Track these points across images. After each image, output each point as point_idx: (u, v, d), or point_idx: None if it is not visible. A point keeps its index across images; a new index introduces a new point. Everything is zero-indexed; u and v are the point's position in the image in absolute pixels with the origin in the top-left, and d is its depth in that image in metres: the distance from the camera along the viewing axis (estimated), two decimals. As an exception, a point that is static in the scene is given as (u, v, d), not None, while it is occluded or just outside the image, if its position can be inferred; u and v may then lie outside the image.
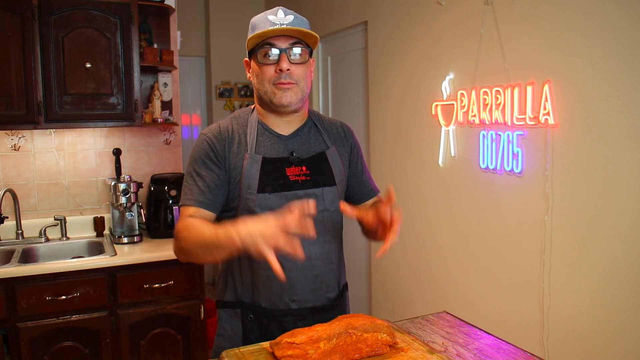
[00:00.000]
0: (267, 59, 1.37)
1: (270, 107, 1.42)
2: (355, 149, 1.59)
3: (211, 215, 1.41)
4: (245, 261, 1.44)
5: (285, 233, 1.14)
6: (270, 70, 1.38)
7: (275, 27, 1.35)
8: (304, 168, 1.43)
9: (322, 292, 1.47)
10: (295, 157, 1.43)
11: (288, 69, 1.36)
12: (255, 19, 1.41)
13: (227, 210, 1.44)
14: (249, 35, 1.39)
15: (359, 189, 1.60)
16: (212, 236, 1.23)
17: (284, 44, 1.37)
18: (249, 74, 1.46)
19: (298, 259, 1.17)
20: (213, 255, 1.26)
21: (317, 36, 1.41)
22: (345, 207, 1.33)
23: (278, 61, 1.36)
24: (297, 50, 1.38)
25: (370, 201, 1.63)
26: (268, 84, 1.39)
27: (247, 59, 1.46)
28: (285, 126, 1.47)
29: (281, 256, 1.40)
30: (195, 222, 1.32)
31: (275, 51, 1.37)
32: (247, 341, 1.44)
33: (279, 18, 1.37)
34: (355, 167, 1.59)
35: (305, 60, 1.40)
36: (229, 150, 1.42)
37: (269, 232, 1.14)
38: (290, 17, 1.38)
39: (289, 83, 1.37)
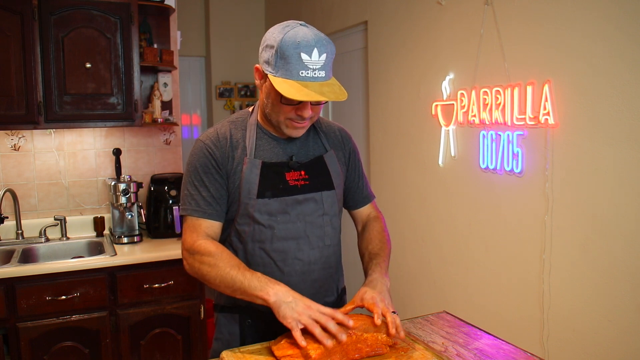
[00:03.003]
0: (289, 100, 1.27)
1: (278, 129, 1.39)
2: (353, 155, 1.58)
3: (220, 225, 1.41)
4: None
5: (316, 309, 1.20)
6: (288, 109, 1.32)
7: (306, 85, 1.23)
8: (302, 172, 1.42)
9: (321, 296, 1.46)
10: (294, 162, 1.41)
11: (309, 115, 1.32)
12: (285, 48, 1.24)
13: (226, 214, 1.43)
14: (274, 63, 1.26)
15: (355, 196, 1.60)
16: (242, 283, 1.27)
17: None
18: (258, 81, 1.37)
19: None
20: (235, 295, 1.30)
21: (346, 93, 1.30)
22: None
23: (301, 107, 1.30)
24: (322, 101, 1.29)
25: (366, 211, 1.62)
26: (282, 117, 1.34)
27: (258, 66, 1.34)
28: None
29: (279, 260, 1.40)
30: (223, 255, 1.32)
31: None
32: (244, 345, 1.43)
33: (314, 61, 1.24)
34: (353, 173, 1.57)
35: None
36: (227, 156, 1.39)
37: (309, 311, 1.20)
38: (324, 57, 1.26)
39: (305, 123, 1.35)
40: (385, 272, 1.44)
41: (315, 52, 1.24)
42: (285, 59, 1.24)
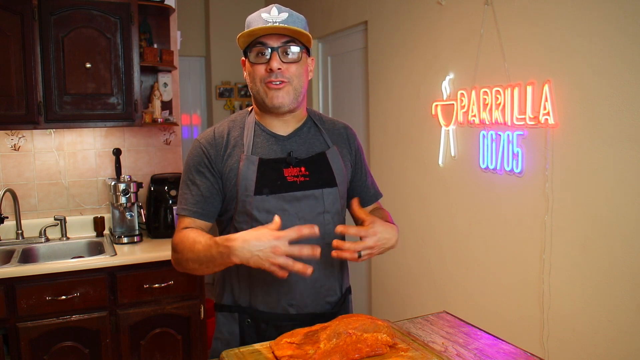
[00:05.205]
0: (259, 58, 1.35)
1: (264, 107, 1.40)
2: (359, 153, 1.57)
3: (207, 224, 1.42)
4: (243, 264, 1.42)
5: (282, 244, 1.17)
6: (261, 69, 1.35)
7: (267, 25, 1.33)
8: (302, 169, 1.40)
9: (322, 296, 1.45)
10: (292, 158, 1.40)
11: (279, 68, 1.33)
12: (249, 18, 1.38)
13: (224, 212, 1.43)
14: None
15: (363, 194, 1.58)
16: (205, 251, 1.26)
17: (275, 43, 1.34)
18: (245, 73, 1.43)
19: (303, 273, 1.17)
20: (209, 268, 1.30)
21: (310, 35, 1.38)
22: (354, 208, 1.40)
23: (269, 60, 1.34)
24: (289, 48, 1.35)
25: (371, 207, 1.62)
26: (260, 83, 1.37)
27: (243, 58, 1.42)
28: (282, 126, 1.44)
29: None
30: (189, 235, 1.33)
31: (266, 50, 1.34)
32: (244, 345, 1.43)
33: (273, 16, 1.34)
34: (359, 172, 1.57)
35: (299, 59, 1.37)
36: (223, 155, 1.40)
37: (265, 245, 1.17)
38: (284, 15, 1.35)
39: (281, 82, 1.35)
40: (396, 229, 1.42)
41: (274, 9, 1.36)
42: (249, 24, 1.37)
